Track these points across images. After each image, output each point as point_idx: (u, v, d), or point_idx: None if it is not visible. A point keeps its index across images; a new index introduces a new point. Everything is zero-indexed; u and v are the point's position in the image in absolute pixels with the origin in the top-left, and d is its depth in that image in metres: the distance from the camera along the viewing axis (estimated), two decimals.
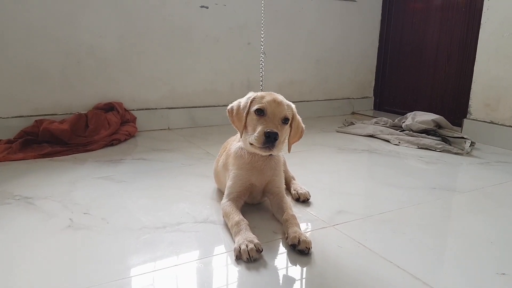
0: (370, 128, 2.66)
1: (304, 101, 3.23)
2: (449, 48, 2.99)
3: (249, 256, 1.02)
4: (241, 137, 1.28)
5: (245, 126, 1.25)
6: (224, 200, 1.28)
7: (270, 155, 1.29)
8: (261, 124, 1.18)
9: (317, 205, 1.43)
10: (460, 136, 2.31)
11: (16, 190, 1.49)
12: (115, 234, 1.17)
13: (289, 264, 1.05)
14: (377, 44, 3.52)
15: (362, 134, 2.61)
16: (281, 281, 0.97)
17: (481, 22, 2.44)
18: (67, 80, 2.35)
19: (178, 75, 2.69)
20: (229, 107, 1.31)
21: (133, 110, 2.55)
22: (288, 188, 1.54)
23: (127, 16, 2.45)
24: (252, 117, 1.22)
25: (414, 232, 1.24)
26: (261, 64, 2.04)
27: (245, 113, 1.24)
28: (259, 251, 1.04)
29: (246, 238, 1.07)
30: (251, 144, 1.21)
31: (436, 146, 2.27)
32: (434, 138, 2.38)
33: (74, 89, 2.38)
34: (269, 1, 2.79)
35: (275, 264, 1.04)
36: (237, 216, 1.17)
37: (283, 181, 1.38)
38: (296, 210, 1.34)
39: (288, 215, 1.21)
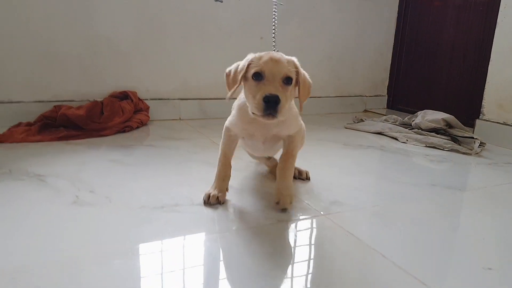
0: (379, 126, 2.66)
1: (315, 97, 3.24)
2: (465, 48, 2.94)
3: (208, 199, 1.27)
4: (227, 98, 1.19)
5: (237, 88, 1.17)
6: (223, 138, 1.37)
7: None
8: (259, 90, 1.07)
9: (312, 195, 1.46)
10: (470, 136, 2.28)
11: (30, 168, 1.59)
12: (116, 211, 1.24)
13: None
14: (393, 41, 3.49)
15: (371, 131, 2.61)
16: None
17: (498, 21, 2.39)
18: (85, 69, 2.46)
19: (190, 67, 2.76)
20: (227, 70, 1.23)
21: (147, 99, 2.64)
22: None
23: (143, 10, 2.53)
24: (251, 84, 1.11)
25: (405, 225, 1.26)
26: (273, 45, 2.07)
27: (240, 76, 1.13)
28: (219, 202, 1.26)
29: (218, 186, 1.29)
30: (253, 113, 1.13)
31: (445, 145, 2.25)
32: (443, 137, 2.36)
33: (91, 77, 2.49)
34: None
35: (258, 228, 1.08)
36: (224, 172, 1.32)
37: (300, 133, 1.32)
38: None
39: (285, 162, 1.24)
